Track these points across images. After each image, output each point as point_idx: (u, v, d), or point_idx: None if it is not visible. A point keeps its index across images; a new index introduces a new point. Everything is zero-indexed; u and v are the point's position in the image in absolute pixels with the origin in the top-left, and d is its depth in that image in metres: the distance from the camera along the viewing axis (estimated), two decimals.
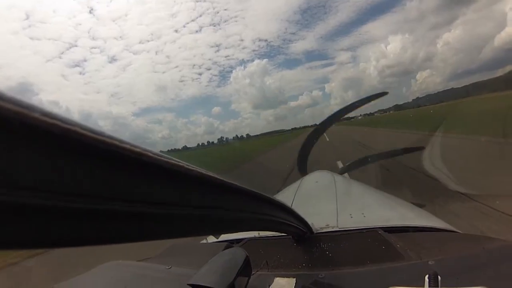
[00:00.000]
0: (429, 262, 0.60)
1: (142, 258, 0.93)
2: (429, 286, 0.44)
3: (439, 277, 0.44)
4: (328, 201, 1.28)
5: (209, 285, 0.48)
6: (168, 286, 0.70)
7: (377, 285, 0.46)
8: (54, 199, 0.17)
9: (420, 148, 4.05)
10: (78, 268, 0.84)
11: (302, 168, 2.50)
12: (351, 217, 1.01)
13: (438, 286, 0.43)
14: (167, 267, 0.77)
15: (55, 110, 0.17)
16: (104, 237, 0.21)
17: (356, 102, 2.56)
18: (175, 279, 0.70)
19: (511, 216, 2.60)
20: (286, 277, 0.65)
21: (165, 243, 1.03)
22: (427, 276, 0.45)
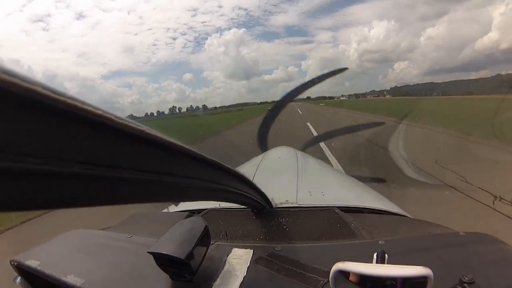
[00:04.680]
0: (379, 242, 0.65)
1: (103, 227, 0.92)
2: (376, 262, 0.48)
3: (386, 255, 0.48)
4: (289, 177, 1.31)
5: (168, 253, 0.50)
6: (128, 254, 0.70)
7: (329, 259, 0.50)
8: (7, 161, 0.17)
9: (380, 124, 4.23)
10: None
11: (263, 145, 2.52)
12: (311, 194, 1.05)
13: (384, 263, 0.48)
14: (128, 236, 0.78)
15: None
16: (59, 200, 0.22)
17: (316, 78, 2.58)
18: (136, 248, 0.71)
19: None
20: (244, 248, 0.67)
21: (127, 213, 1.03)
22: (375, 254, 0.49)
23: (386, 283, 0.42)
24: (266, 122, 2.64)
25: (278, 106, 2.70)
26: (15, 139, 0.17)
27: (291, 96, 2.63)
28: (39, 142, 0.18)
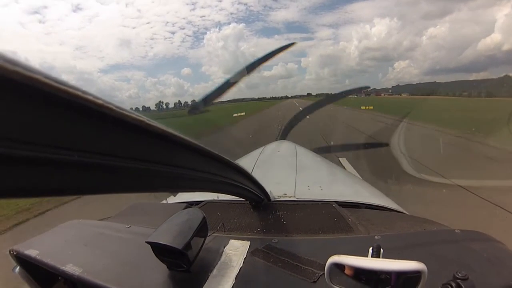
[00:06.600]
0: (376, 237, 0.66)
1: (102, 217, 0.93)
2: (371, 257, 0.48)
3: (381, 250, 0.49)
4: (288, 171, 1.32)
5: (166, 243, 0.50)
6: (127, 244, 0.71)
7: (325, 253, 0.50)
8: (7, 148, 0.17)
9: (384, 145, 4.37)
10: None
11: (284, 135, 2.72)
12: (309, 188, 1.06)
13: (379, 257, 0.48)
14: (127, 226, 0.78)
15: None
16: (58, 188, 0.22)
17: (344, 91, 3.24)
18: (134, 238, 0.72)
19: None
20: (241, 240, 0.68)
21: (126, 203, 1.03)
22: (371, 248, 0.50)
23: (381, 277, 0.42)
24: (296, 118, 3.06)
25: (307, 110, 3.27)
26: (18, 126, 0.17)
27: (322, 103, 3.17)
28: (41, 130, 0.18)
